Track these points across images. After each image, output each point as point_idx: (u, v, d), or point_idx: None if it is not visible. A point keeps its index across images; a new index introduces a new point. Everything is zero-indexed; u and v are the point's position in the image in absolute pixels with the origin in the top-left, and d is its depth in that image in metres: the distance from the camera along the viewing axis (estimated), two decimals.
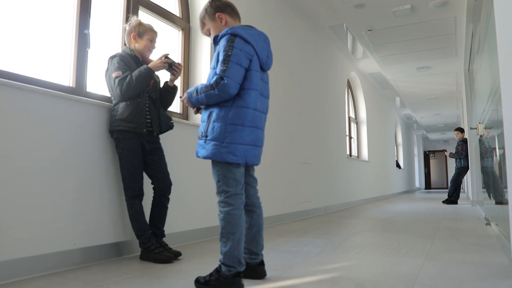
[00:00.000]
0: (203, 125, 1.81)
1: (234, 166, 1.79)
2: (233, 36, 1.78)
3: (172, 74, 2.51)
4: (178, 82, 3.44)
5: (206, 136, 1.78)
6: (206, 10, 1.96)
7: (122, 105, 2.35)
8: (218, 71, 1.74)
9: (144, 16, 3.09)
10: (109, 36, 2.81)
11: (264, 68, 1.92)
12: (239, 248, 1.75)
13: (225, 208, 1.77)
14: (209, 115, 1.80)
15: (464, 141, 7.61)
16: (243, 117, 1.77)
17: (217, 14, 1.93)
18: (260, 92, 1.88)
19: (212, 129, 1.77)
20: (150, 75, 2.37)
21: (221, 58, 1.75)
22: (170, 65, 2.46)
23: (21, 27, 2.25)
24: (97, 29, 2.70)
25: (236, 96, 1.78)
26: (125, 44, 2.55)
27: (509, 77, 1.76)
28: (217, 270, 1.76)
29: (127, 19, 2.87)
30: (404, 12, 5.34)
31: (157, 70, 2.43)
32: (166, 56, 2.44)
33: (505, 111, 1.91)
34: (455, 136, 7.91)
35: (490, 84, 3.16)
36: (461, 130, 7.74)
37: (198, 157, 1.82)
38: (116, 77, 2.30)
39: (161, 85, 2.62)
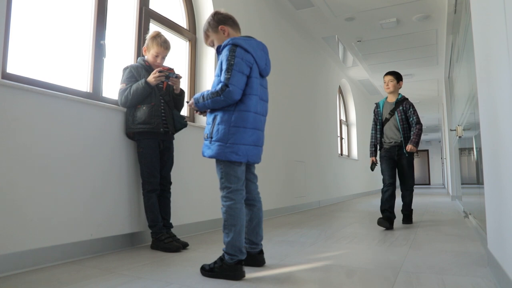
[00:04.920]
0: (209, 128, 1.81)
1: (236, 165, 1.78)
2: (234, 46, 1.77)
3: (173, 83, 2.49)
4: (185, 88, 3.44)
5: (211, 138, 1.77)
6: (209, 23, 1.93)
7: (138, 109, 2.38)
8: (222, 79, 1.72)
9: (154, 28, 3.08)
10: (123, 46, 2.80)
11: (263, 74, 1.91)
12: (240, 238, 1.74)
13: (227, 202, 1.76)
14: (214, 118, 1.79)
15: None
16: (245, 120, 1.76)
17: (220, 27, 1.91)
18: (260, 97, 1.87)
19: (216, 131, 1.76)
20: (145, 89, 2.34)
21: (224, 67, 1.74)
22: (167, 77, 2.40)
23: (45, 39, 2.25)
24: (112, 40, 2.69)
25: (238, 101, 1.77)
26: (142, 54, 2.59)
27: (485, 84, 1.76)
28: (221, 259, 1.75)
29: (139, 31, 2.87)
30: (390, 24, 5.33)
31: (154, 85, 2.38)
32: (159, 71, 2.37)
33: (482, 114, 1.91)
34: (385, 85, 3.52)
35: (468, 90, 3.15)
36: (399, 76, 3.53)
37: (204, 156, 1.81)
38: (120, 89, 2.40)
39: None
